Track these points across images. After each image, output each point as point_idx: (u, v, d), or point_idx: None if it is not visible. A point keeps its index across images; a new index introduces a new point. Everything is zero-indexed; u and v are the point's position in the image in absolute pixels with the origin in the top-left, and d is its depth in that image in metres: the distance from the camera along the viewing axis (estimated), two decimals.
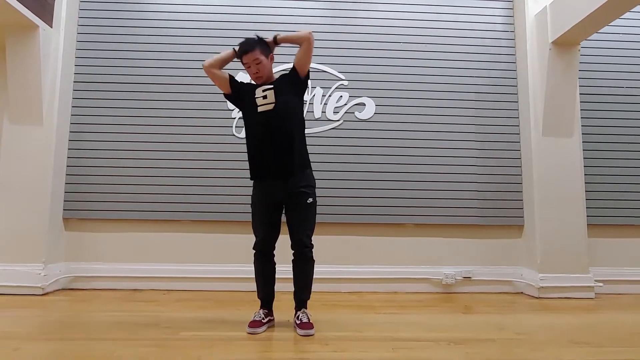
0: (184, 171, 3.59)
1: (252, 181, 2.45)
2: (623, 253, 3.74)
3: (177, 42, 3.72)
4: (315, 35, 3.72)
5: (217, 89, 3.62)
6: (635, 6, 2.93)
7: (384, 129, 3.72)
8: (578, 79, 3.56)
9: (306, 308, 2.40)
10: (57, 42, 3.43)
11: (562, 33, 3.31)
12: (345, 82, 3.75)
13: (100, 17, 3.71)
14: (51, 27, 3.38)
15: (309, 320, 2.33)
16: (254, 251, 2.42)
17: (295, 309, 2.41)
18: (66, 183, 3.53)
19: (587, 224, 3.55)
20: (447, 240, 3.69)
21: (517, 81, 3.81)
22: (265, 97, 2.33)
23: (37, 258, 3.21)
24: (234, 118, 3.65)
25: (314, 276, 2.42)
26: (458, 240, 3.69)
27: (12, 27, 3.19)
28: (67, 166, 3.55)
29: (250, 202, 2.46)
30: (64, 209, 3.50)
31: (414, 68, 3.80)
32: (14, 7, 2.94)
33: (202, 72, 3.61)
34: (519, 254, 3.69)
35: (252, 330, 2.29)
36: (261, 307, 2.43)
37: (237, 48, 2.39)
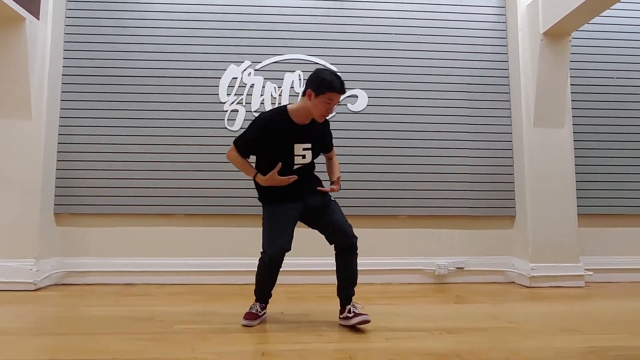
0: (176, 165, 3.57)
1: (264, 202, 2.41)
2: (613, 242, 3.79)
3: (166, 34, 3.68)
4: (306, 27, 3.76)
5: (209, 82, 3.67)
6: None
7: (377, 121, 3.72)
8: (569, 70, 3.58)
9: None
10: (44, 35, 3.38)
11: (554, 24, 3.31)
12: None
13: (88, 9, 3.65)
14: (38, 19, 3.32)
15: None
16: (265, 259, 2.25)
17: (341, 304, 2.37)
18: (57, 178, 3.49)
19: (578, 214, 3.59)
20: (439, 231, 3.71)
21: (509, 72, 3.82)
22: (304, 157, 2.32)
23: (29, 254, 3.19)
24: (226, 111, 3.63)
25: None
26: (450, 231, 3.72)
27: None
28: (57, 160, 3.51)
29: (268, 212, 2.32)
30: (55, 204, 3.47)
31: (406, 59, 3.79)
32: None
33: (193, 65, 3.66)
34: (510, 244, 3.72)
35: (248, 322, 2.30)
36: (257, 301, 2.42)
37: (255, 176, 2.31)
